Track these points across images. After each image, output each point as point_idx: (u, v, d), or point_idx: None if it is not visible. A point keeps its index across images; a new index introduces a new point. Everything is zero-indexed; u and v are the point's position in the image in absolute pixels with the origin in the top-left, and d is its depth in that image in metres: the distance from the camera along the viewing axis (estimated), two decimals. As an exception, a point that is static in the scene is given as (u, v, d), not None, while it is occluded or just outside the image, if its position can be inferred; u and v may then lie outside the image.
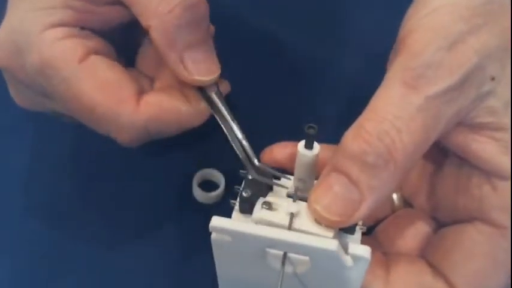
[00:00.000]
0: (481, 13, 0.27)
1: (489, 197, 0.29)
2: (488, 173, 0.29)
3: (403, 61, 0.27)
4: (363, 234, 0.30)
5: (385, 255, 0.32)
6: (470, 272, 0.29)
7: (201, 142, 0.41)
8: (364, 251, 0.26)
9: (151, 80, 0.37)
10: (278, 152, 0.34)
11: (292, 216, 0.28)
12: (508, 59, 0.28)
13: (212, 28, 0.36)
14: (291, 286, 0.29)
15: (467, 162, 0.30)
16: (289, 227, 0.28)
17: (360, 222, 0.29)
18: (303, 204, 0.29)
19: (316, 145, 0.29)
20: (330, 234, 0.28)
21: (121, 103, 0.33)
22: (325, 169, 0.28)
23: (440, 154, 0.33)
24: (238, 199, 0.30)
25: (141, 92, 0.34)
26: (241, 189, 0.30)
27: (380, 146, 0.27)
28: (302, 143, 0.29)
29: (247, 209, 0.30)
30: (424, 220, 0.34)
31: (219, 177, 0.40)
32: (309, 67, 0.44)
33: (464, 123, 0.28)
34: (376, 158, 0.27)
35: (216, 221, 0.27)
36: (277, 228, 0.27)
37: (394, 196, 0.35)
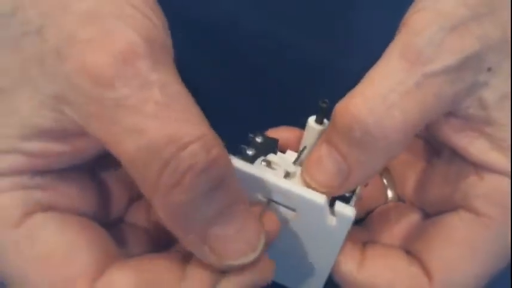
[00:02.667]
0: (486, 3, 0.27)
1: (474, 185, 0.30)
2: (476, 166, 0.30)
3: (404, 37, 0.27)
4: (355, 223, 0.31)
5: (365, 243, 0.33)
6: (446, 257, 0.30)
7: None
8: (349, 210, 0.28)
9: (144, 234, 0.31)
10: (283, 133, 0.34)
11: (287, 174, 0.30)
12: (508, 52, 0.28)
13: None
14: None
15: (457, 155, 0.30)
16: None
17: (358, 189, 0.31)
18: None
19: (325, 121, 0.30)
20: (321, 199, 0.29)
21: (64, 284, 0.26)
22: (320, 139, 0.29)
23: (431, 146, 0.34)
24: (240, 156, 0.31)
25: (108, 263, 0.27)
26: (246, 147, 0.31)
27: (368, 122, 0.26)
28: (313, 117, 0.30)
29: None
30: (412, 212, 0.34)
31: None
32: (309, 67, 0.43)
33: (456, 114, 0.29)
34: (363, 134, 0.27)
35: None
36: (270, 174, 0.28)
37: (389, 192, 0.37)
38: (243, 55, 0.41)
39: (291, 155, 0.32)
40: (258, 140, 0.32)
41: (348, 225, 0.29)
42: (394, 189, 0.37)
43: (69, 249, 0.26)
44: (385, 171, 0.37)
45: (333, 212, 0.29)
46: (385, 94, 0.26)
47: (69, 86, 0.24)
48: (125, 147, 0.24)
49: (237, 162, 0.28)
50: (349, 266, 0.31)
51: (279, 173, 0.30)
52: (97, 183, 0.31)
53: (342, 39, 0.43)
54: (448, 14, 0.27)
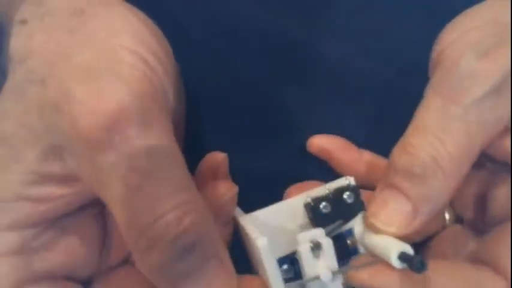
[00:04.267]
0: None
1: None
2: None
3: (439, 76, 0.29)
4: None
5: None
6: None
7: (201, 142, 0.40)
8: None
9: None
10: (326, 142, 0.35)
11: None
12: None
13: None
14: None
15: None
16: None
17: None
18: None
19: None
20: None
21: None
22: (378, 187, 0.30)
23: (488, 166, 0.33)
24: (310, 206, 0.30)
25: None
26: (321, 196, 0.30)
27: (425, 156, 0.28)
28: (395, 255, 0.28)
29: (320, 222, 0.30)
30: (469, 238, 0.34)
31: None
32: (310, 64, 0.41)
33: (508, 129, 0.29)
34: (423, 168, 0.28)
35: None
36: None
37: (446, 215, 0.36)
38: (242, 54, 0.40)
39: None
40: (346, 197, 0.30)
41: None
42: (450, 211, 0.36)
43: None
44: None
45: None
46: (436, 132, 0.28)
47: (65, 139, 0.26)
48: (111, 208, 0.26)
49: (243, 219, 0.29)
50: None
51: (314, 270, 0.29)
52: (102, 229, 0.31)
53: (343, 37, 0.40)
54: (477, 44, 0.29)
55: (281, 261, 0.30)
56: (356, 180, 0.31)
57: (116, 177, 0.25)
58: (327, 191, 0.30)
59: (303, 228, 0.30)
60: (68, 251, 0.29)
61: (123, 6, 0.29)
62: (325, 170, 0.36)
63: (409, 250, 0.28)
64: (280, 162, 0.38)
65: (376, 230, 0.29)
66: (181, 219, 0.25)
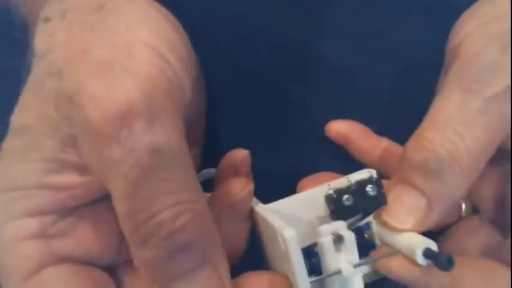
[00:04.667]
0: None
1: None
2: None
3: (459, 67, 0.28)
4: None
5: None
6: None
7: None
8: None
9: None
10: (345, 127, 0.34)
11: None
12: None
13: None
14: None
15: None
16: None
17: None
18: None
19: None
20: None
21: None
22: (392, 182, 0.29)
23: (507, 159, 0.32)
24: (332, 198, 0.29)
25: None
26: (343, 188, 0.29)
27: (442, 151, 0.27)
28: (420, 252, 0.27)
29: (341, 215, 0.29)
30: (486, 230, 0.33)
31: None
32: (310, 64, 0.41)
33: None
34: (438, 163, 0.27)
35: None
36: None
37: (463, 205, 0.35)
38: (242, 54, 0.40)
39: None
40: (369, 190, 0.29)
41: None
42: (467, 201, 0.35)
43: None
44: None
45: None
46: (454, 125, 0.27)
47: (78, 131, 0.26)
48: (113, 200, 0.26)
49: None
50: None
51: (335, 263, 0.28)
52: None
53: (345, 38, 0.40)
54: (499, 35, 0.27)
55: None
56: (377, 172, 0.30)
57: (119, 171, 0.25)
58: (349, 183, 0.29)
59: (321, 220, 0.30)
60: (85, 238, 0.29)
61: (144, 0, 0.29)
62: (325, 170, 0.35)
63: (434, 246, 0.27)
64: (280, 162, 0.38)
65: (390, 227, 0.29)
66: (177, 217, 0.25)
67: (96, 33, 0.27)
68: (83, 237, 0.29)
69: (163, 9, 0.29)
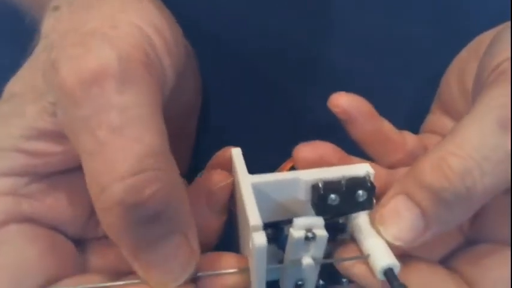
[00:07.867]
0: None
1: None
2: None
3: (499, 97, 0.27)
4: None
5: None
6: (499, 278, 0.29)
7: (201, 143, 0.40)
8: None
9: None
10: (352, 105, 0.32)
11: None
12: None
13: None
14: None
15: None
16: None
17: None
18: None
19: None
20: None
21: None
22: (392, 190, 0.28)
23: None
24: (319, 193, 0.28)
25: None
26: (333, 184, 0.27)
27: (461, 186, 0.26)
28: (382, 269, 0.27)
29: (322, 211, 0.28)
30: (457, 234, 0.33)
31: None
32: (310, 64, 0.41)
33: None
34: (453, 196, 0.26)
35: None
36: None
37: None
38: (242, 53, 0.41)
39: None
40: (359, 195, 0.28)
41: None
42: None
43: (21, 270, 0.28)
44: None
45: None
46: (479, 161, 0.26)
47: (55, 94, 0.26)
48: (82, 161, 0.26)
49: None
50: None
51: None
52: None
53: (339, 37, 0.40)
54: None
55: (268, 224, 0.29)
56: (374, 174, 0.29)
57: (86, 129, 0.25)
58: (341, 179, 0.28)
59: (301, 204, 0.29)
60: (55, 204, 0.30)
61: None
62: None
63: (396, 269, 0.27)
64: (280, 161, 0.35)
65: (381, 235, 0.28)
66: (145, 187, 0.24)
67: (93, 12, 0.28)
68: (53, 203, 0.30)
69: (159, 2, 0.30)
